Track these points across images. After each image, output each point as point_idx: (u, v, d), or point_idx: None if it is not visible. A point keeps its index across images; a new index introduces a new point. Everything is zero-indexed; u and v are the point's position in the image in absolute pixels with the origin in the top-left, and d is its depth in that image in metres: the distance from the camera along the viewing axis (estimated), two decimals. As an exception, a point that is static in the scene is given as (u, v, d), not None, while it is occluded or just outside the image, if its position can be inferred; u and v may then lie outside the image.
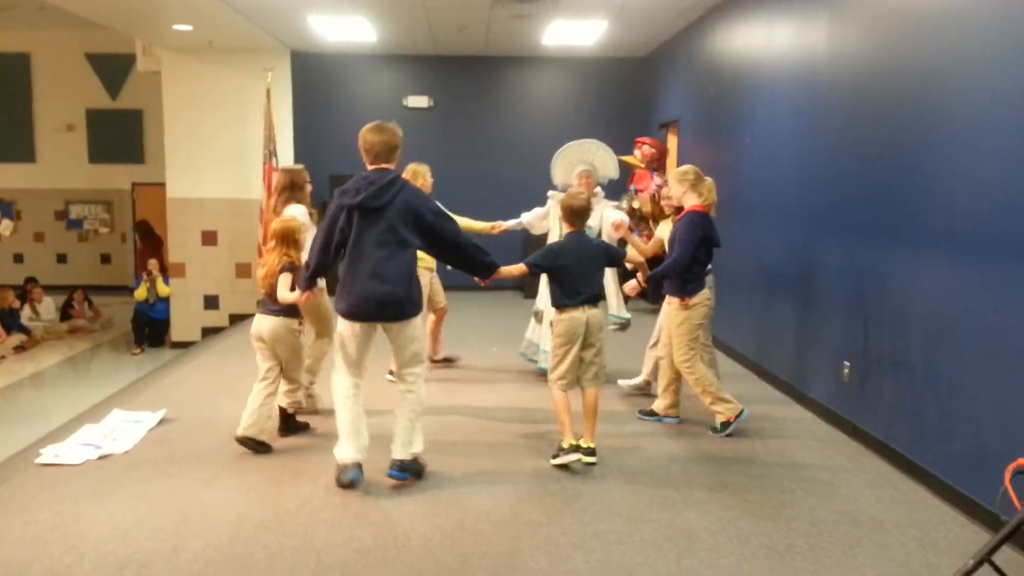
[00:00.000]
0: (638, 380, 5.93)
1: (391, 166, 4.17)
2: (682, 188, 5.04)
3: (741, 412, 4.99)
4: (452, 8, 8.43)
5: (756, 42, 6.94)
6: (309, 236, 4.85)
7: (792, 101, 6.10)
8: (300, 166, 5.50)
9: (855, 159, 5.08)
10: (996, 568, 2.78)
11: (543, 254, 4.58)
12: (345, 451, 4.15)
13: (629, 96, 11.17)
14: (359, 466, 4.16)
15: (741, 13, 7.33)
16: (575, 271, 4.46)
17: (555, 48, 10.48)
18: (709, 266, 5.19)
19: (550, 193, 6.21)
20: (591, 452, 4.49)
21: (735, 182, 6.96)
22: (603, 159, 6.17)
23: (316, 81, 11.05)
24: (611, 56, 11.01)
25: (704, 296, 5.03)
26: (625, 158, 8.58)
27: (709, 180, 5.03)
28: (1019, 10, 3.57)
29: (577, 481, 4.27)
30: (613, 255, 4.80)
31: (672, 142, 9.90)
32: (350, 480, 4.12)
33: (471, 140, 11.16)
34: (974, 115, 3.89)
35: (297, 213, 5.08)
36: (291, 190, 5.22)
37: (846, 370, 5.09)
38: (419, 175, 6.00)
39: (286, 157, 10.76)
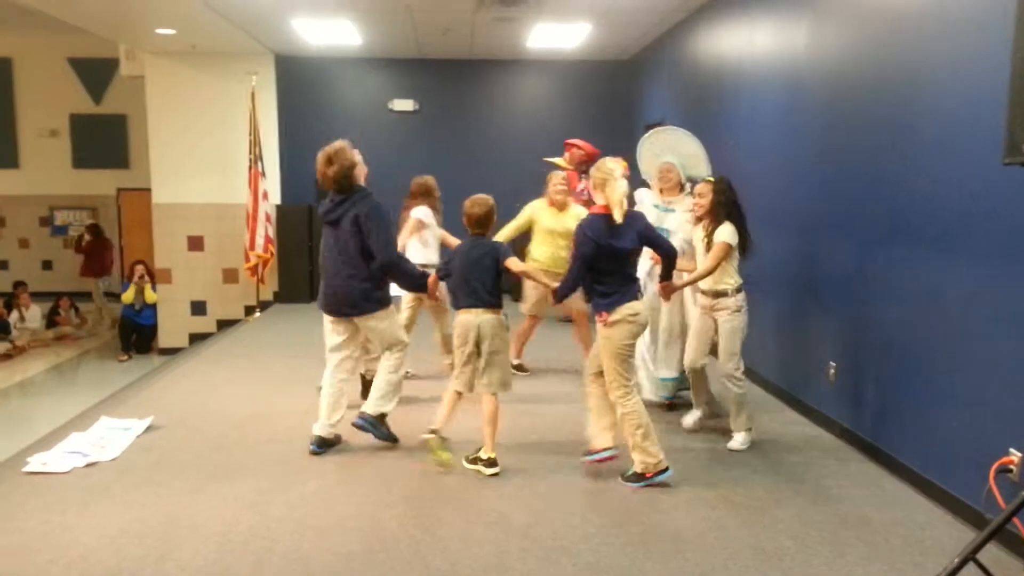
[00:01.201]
0: (696, 415, 5.23)
1: (350, 187, 4.66)
2: (590, 184, 4.39)
3: (664, 470, 4.24)
4: (436, 11, 8.44)
5: (738, 44, 6.98)
6: (431, 233, 6.15)
7: (774, 102, 6.14)
8: (430, 177, 6.29)
9: (838, 160, 5.12)
10: (981, 566, 2.81)
11: (443, 259, 4.80)
12: (316, 426, 4.80)
13: (613, 98, 11.20)
14: (320, 439, 4.76)
15: (723, 16, 7.37)
16: (461, 274, 4.45)
17: (539, 51, 10.50)
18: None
19: (637, 193, 5.56)
20: (491, 463, 4.41)
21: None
22: (694, 154, 5.44)
23: (301, 85, 11.02)
24: (595, 59, 11.03)
25: (629, 312, 4.18)
26: (553, 160, 8.58)
27: (619, 183, 4.19)
28: (995, 10, 3.61)
29: (564, 484, 4.28)
30: (500, 257, 4.43)
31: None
32: (312, 451, 4.74)
33: (456, 143, 11.15)
34: (955, 117, 3.92)
35: (421, 214, 6.10)
36: (423, 195, 6.18)
37: (832, 370, 5.12)
38: (554, 179, 6.42)
39: (272, 161, 10.75)
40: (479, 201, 4.54)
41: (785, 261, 5.90)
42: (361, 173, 4.76)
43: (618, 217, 4.13)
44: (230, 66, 10.57)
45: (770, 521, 3.83)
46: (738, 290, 4.78)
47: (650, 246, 4.40)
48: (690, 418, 5.23)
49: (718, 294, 4.78)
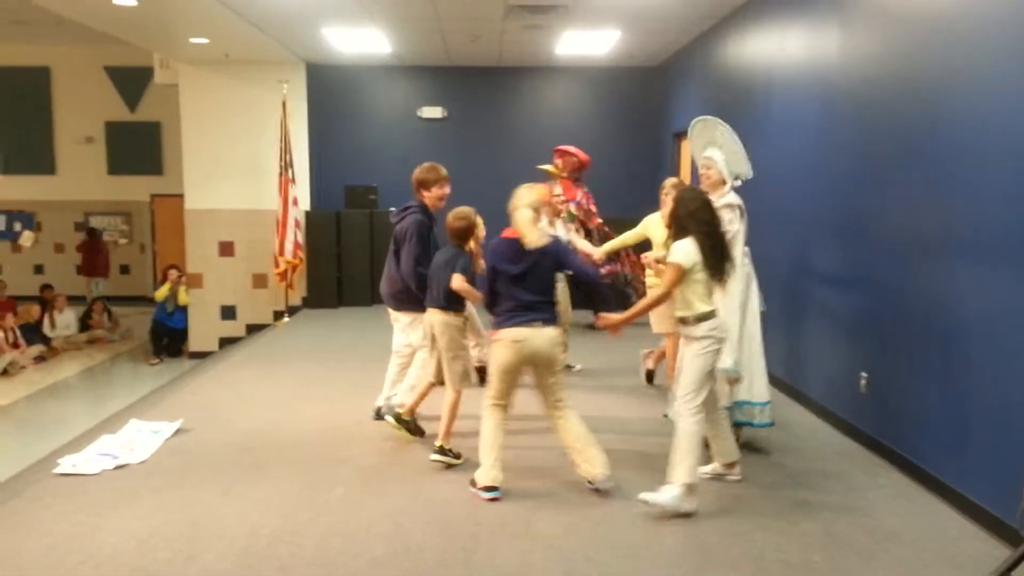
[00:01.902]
0: (712, 466, 4.50)
1: (417, 197, 5.16)
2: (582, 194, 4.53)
3: (491, 488, 4.17)
4: (465, 19, 8.47)
5: (769, 51, 6.93)
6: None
7: (805, 110, 6.08)
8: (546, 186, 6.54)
9: (871, 166, 5.05)
10: (1015, 583, 2.75)
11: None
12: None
13: (643, 105, 11.16)
14: (376, 409, 5.50)
15: (754, 22, 7.32)
16: (430, 277, 4.84)
17: (568, 58, 10.49)
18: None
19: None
20: (441, 451, 4.65)
21: (749, 192, 6.91)
22: (731, 147, 4.90)
23: (331, 93, 11.12)
24: (624, 65, 11.00)
25: (510, 337, 4.19)
26: (545, 167, 8.40)
27: (521, 212, 4.28)
28: (1034, 18, 3.55)
29: (592, 495, 4.24)
30: (456, 270, 4.67)
31: (687, 151, 9.88)
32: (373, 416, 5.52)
33: (485, 150, 11.16)
34: (988, 122, 3.85)
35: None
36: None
37: (863, 381, 5.05)
38: (665, 188, 6.03)
39: (302, 168, 10.84)
40: (460, 215, 4.77)
41: (815, 269, 5.83)
42: (434, 191, 5.12)
43: (529, 242, 4.21)
44: (262, 74, 10.68)
45: (798, 534, 3.77)
46: (701, 318, 4.06)
47: (562, 270, 4.46)
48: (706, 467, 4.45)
49: (682, 320, 4.14)
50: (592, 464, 4.24)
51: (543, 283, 4.28)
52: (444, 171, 5.19)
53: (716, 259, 4.09)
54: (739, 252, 4.64)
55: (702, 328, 4.05)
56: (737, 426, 4.80)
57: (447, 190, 5.20)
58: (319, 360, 7.54)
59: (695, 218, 4.09)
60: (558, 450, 4.90)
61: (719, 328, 4.11)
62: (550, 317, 4.26)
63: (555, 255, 4.32)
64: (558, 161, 8.32)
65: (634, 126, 11.13)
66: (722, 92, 8.25)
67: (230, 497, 4.19)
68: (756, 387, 4.78)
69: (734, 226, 4.66)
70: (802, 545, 3.65)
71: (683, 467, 3.96)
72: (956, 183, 4.12)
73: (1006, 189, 3.72)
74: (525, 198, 4.35)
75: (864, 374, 5.05)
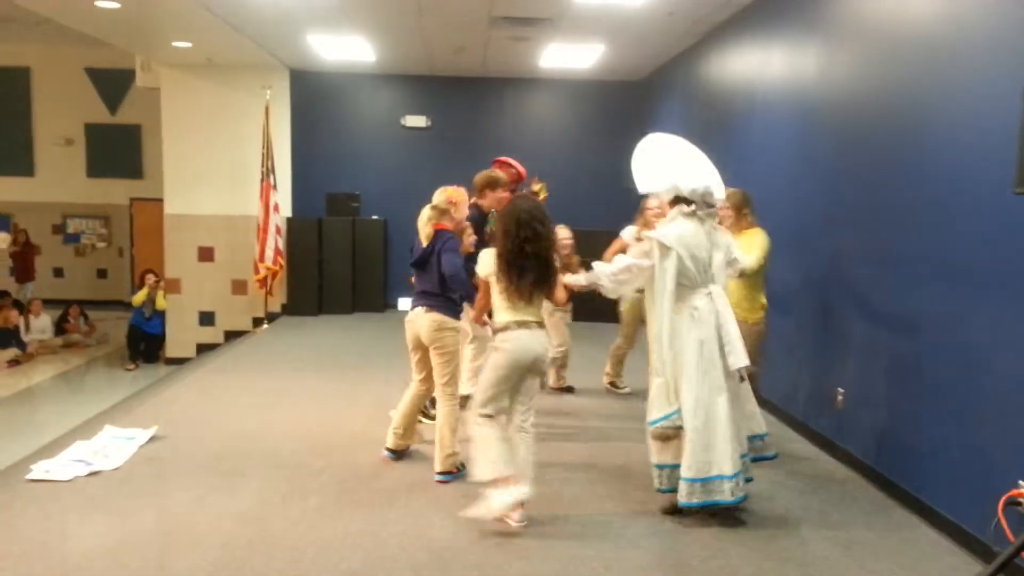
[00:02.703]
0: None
1: (475, 198, 5.31)
2: None
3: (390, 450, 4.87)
4: (450, 29, 8.49)
5: (750, 68, 6.99)
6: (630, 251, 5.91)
7: (786, 126, 6.13)
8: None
9: (848, 183, 5.10)
10: (987, 599, 2.77)
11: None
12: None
13: (625, 119, 11.18)
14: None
15: (736, 39, 7.38)
16: None
17: (552, 70, 10.54)
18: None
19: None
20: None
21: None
22: (651, 162, 4.66)
23: (314, 99, 11.09)
24: (608, 79, 11.06)
25: (407, 318, 4.73)
26: None
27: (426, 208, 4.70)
28: (1005, 35, 3.60)
29: (569, 506, 4.24)
30: None
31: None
32: None
33: (468, 160, 11.06)
34: (965, 142, 3.90)
35: (626, 234, 6.20)
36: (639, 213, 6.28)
37: (839, 396, 5.08)
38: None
39: (283, 174, 10.79)
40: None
41: (794, 286, 5.87)
42: (498, 193, 5.44)
43: (422, 240, 4.66)
44: (245, 79, 10.65)
45: (774, 549, 3.78)
46: (499, 329, 4.08)
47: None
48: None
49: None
50: (399, 436, 4.84)
51: (436, 275, 4.60)
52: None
53: (514, 274, 4.00)
54: (664, 296, 4.03)
55: (497, 339, 4.10)
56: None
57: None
58: (298, 368, 7.49)
59: (500, 228, 4.12)
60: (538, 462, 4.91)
61: (510, 340, 4.01)
62: (436, 305, 4.60)
63: (441, 249, 4.60)
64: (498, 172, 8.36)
65: (616, 140, 11.12)
66: (703, 108, 8.31)
67: (204, 505, 4.15)
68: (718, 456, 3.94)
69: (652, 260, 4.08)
70: (779, 561, 3.66)
71: (478, 468, 3.99)
72: (933, 204, 4.17)
73: (984, 210, 3.76)
74: (435, 198, 4.76)
75: (841, 389, 5.08)
